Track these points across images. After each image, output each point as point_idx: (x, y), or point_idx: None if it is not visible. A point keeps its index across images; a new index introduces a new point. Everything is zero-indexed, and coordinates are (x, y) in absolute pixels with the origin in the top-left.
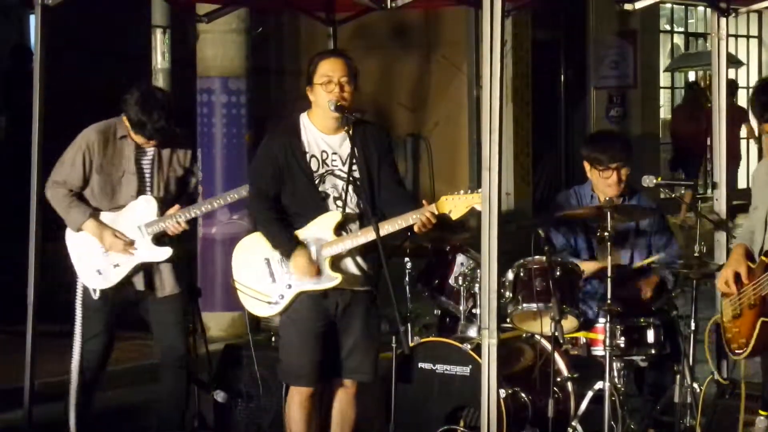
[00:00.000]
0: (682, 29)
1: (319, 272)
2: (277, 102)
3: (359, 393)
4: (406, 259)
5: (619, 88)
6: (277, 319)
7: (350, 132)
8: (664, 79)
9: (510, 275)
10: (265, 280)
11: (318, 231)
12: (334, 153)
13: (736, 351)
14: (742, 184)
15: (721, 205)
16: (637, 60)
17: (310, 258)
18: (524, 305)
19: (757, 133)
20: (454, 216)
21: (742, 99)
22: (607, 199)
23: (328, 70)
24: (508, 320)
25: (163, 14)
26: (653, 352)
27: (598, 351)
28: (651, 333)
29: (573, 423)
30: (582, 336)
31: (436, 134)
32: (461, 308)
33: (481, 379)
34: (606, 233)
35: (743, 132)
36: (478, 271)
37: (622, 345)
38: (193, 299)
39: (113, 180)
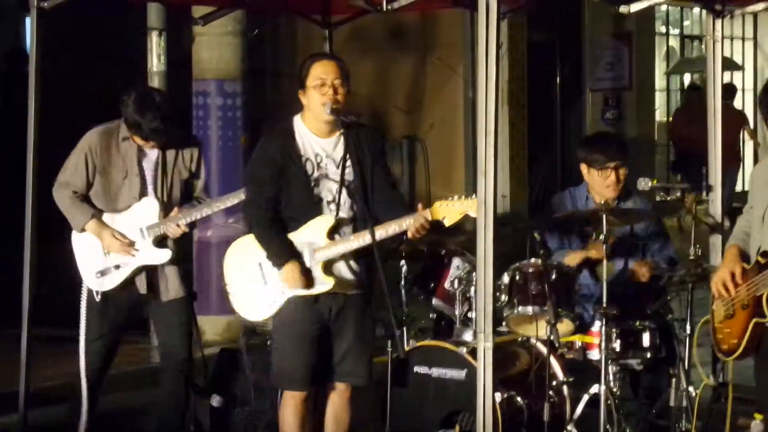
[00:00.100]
0: (677, 31)
1: (309, 284)
2: (273, 104)
3: (354, 397)
4: (402, 262)
5: (615, 90)
6: (272, 323)
7: (347, 134)
8: (660, 81)
9: (506, 278)
10: (257, 284)
11: (311, 235)
12: (328, 156)
13: (727, 352)
14: (743, 186)
15: (716, 207)
16: (633, 62)
17: (300, 271)
18: (520, 308)
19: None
20: (448, 222)
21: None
22: (603, 201)
23: (321, 72)
24: (503, 324)
25: (159, 17)
26: (649, 355)
27: (594, 354)
28: (647, 336)
29: (569, 427)
30: (578, 339)
31: (432, 136)
32: (457, 312)
33: (477, 382)
34: (602, 237)
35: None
36: (474, 274)
37: (618, 348)
38: (189, 303)
39: (116, 182)
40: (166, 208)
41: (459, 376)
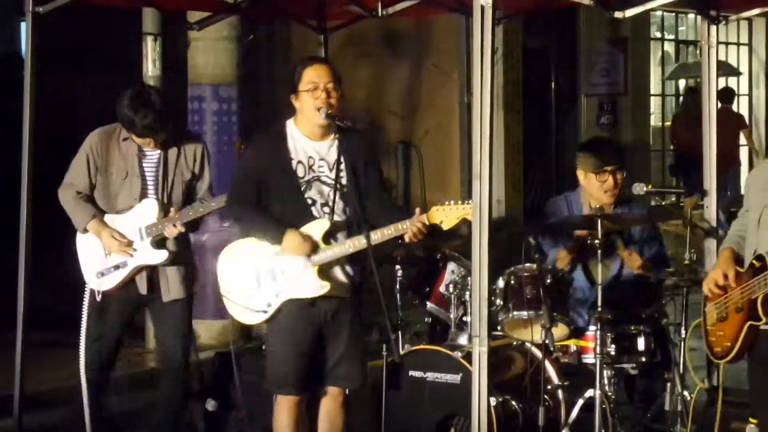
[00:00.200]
0: (672, 37)
1: (313, 250)
2: (269, 110)
3: (349, 401)
4: (397, 266)
5: (610, 95)
6: (266, 327)
7: (339, 138)
8: (655, 86)
9: (501, 283)
10: (252, 288)
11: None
12: (321, 159)
13: (719, 355)
14: (743, 190)
15: (711, 212)
16: (628, 67)
17: (301, 236)
18: (515, 313)
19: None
20: (445, 226)
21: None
22: (597, 207)
23: (314, 76)
24: (498, 328)
25: (154, 22)
26: (644, 359)
27: (589, 359)
28: (641, 341)
29: (563, 431)
30: (572, 344)
31: (427, 142)
32: (452, 316)
33: (472, 387)
34: (596, 241)
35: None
36: (469, 278)
37: (613, 353)
38: (189, 305)
39: (117, 182)
40: (166, 209)
41: (454, 380)
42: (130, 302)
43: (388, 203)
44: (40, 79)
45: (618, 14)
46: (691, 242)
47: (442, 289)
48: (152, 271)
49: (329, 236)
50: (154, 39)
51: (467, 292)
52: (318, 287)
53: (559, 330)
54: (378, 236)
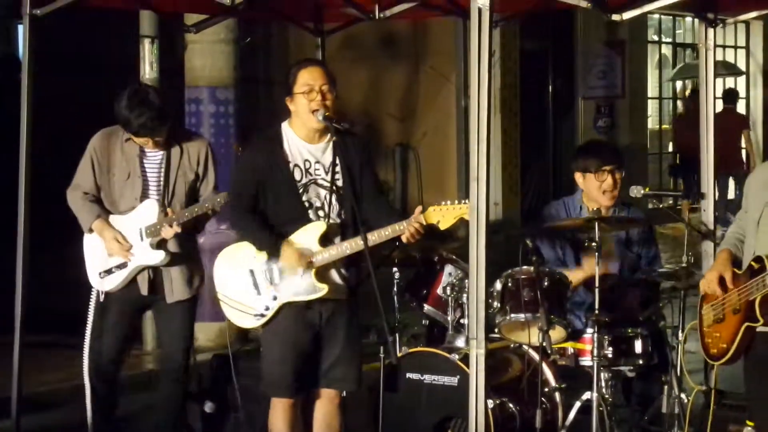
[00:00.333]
0: (670, 39)
1: (309, 264)
2: (266, 112)
3: (346, 403)
4: (395, 269)
5: (607, 98)
6: (262, 329)
7: (336, 141)
8: (653, 89)
9: (498, 285)
10: (249, 292)
11: (303, 241)
12: (317, 162)
13: (715, 356)
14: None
15: (708, 215)
16: (625, 70)
17: (298, 250)
18: (512, 315)
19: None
20: (442, 226)
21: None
22: (595, 210)
23: (309, 78)
24: (496, 330)
25: (151, 24)
26: (641, 362)
27: (586, 361)
28: (639, 343)
29: None
30: (570, 346)
31: (425, 144)
32: (449, 318)
33: (469, 389)
34: (594, 244)
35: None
36: (466, 281)
37: (610, 355)
38: (192, 307)
39: (119, 183)
40: (166, 210)
41: (451, 382)
42: (132, 303)
43: (383, 205)
44: (38, 82)
45: (615, 17)
46: (688, 245)
47: (439, 291)
48: (154, 273)
49: (326, 239)
50: (151, 42)
51: (464, 295)
52: (315, 290)
53: (557, 332)
54: (375, 237)
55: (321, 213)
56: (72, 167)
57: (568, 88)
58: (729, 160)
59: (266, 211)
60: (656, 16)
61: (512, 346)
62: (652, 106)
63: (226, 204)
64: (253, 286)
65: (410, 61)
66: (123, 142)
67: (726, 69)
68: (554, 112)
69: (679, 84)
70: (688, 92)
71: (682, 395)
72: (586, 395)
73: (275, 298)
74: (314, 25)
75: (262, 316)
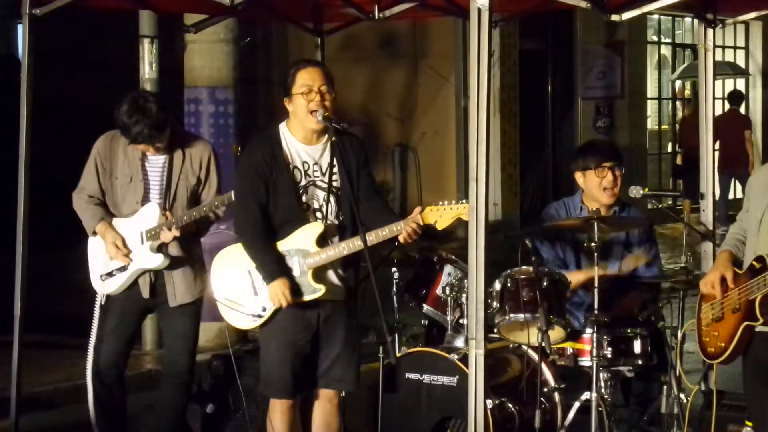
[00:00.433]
0: (669, 40)
1: (294, 300)
2: (265, 112)
3: (345, 403)
4: (394, 269)
5: (607, 98)
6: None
7: (335, 141)
8: (652, 89)
9: (497, 285)
10: (247, 293)
11: (300, 242)
12: (315, 163)
13: (712, 355)
14: None
15: (708, 215)
16: (625, 70)
17: (289, 289)
18: (511, 315)
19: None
20: (440, 226)
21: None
22: (594, 210)
23: (308, 79)
24: (495, 330)
25: (151, 24)
26: (640, 362)
27: (585, 361)
28: (638, 343)
29: None
30: (569, 346)
31: (424, 144)
32: (448, 318)
33: (468, 389)
34: (593, 244)
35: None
36: (466, 281)
37: (609, 355)
38: (197, 310)
39: (122, 186)
40: (168, 213)
41: (450, 382)
42: (133, 306)
43: (380, 206)
44: (37, 81)
45: (615, 17)
46: (687, 245)
47: (438, 291)
48: (156, 276)
49: (323, 240)
50: (151, 41)
51: (464, 295)
52: (313, 290)
53: (556, 332)
54: (372, 238)
55: (319, 214)
56: (71, 167)
57: (568, 89)
58: (733, 161)
59: (267, 212)
60: (655, 16)
61: (511, 346)
62: (651, 107)
63: (233, 215)
64: (250, 287)
65: (409, 61)
66: (126, 146)
67: (732, 69)
68: (554, 112)
69: (678, 84)
70: (687, 93)
71: (681, 395)
72: (585, 395)
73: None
74: (314, 25)
75: (260, 317)
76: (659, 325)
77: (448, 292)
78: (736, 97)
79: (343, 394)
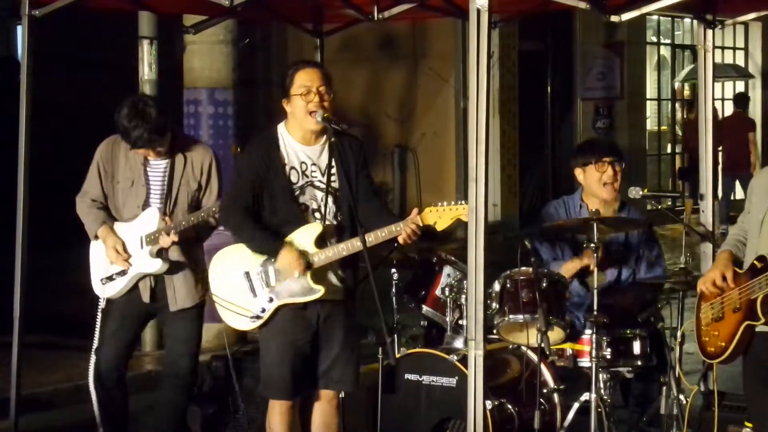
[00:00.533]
0: (668, 41)
1: (307, 267)
2: (265, 113)
3: (345, 404)
4: (393, 270)
5: (606, 99)
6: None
7: (333, 142)
8: (651, 90)
9: (496, 286)
10: (245, 294)
11: (299, 243)
12: (314, 164)
13: (712, 355)
14: None
15: (707, 216)
16: (624, 71)
17: (296, 253)
18: (511, 316)
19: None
20: (439, 227)
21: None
22: (594, 210)
23: (306, 80)
24: (494, 331)
25: (150, 25)
26: (639, 363)
27: (585, 362)
28: (637, 344)
29: None
30: (568, 347)
31: (424, 145)
32: (448, 319)
33: (468, 390)
34: (592, 245)
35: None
36: (465, 282)
37: (609, 356)
38: (198, 314)
39: (123, 191)
40: (168, 218)
41: (450, 383)
42: (133, 310)
43: (378, 207)
44: (37, 82)
45: (614, 18)
46: (686, 246)
47: (438, 292)
48: (156, 281)
49: (322, 240)
50: (150, 42)
51: (463, 296)
52: (312, 291)
53: (555, 333)
54: (372, 239)
55: (317, 215)
56: (71, 167)
57: (567, 90)
58: (736, 163)
59: (263, 214)
60: (655, 17)
61: (511, 347)
62: (650, 108)
63: (223, 204)
64: (248, 288)
65: (409, 62)
66: (128, 151)
67: (736, 72)
68: (553, 113)
69: (677, 85)
70: (687, 93)
71: (681, 396)
72: (585, 396)
73: (271, 300)
74: (313, 26)
75: (259, 318)
76: (659, 326)
77: (447, 293)
78: (741, 100)
79: (343, 394)
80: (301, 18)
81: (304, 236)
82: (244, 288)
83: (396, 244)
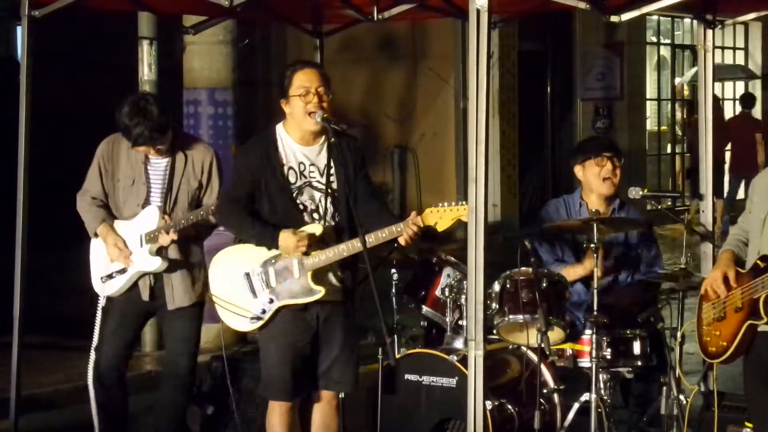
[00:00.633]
0: (668, 41)
1: (307, 252)
2: (264, 113)
3: (344, 405)
4: (393, 270)
5: (606, 99)
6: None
7: (334, 142)
8: (651, 90)
9: (496, 287)
10: (245, 295)
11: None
12: (312, 164)
13: (714, 355)
14: None
15: (707, 216)
16: (624, 71)
17: (295, 235)
18: (511, 317)
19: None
20: (440, 228)
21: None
22: (594, 210)
23: (305, 81)
24: (494, 332)
25: (150, 26)
26: (639, 363)
27: (585, 362)
28: (637, 344)
29: None
30: (568, 347)
31: (423, 146)
32: (448, 320)
33: (468, 390)
34: (592, 245)
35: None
36: (465, 282)
37: (609, 356)
38: (197, 313)
39: (124, 189)
40: (168, 216)
41: (450, 383)
42: (133, 308)
43: (377, 208)
44: (37, 83)
45: (614, 18)
46: (687, 246)
47: (437, 292)
48: (155, 279)
49: (321, 241)
50: (150, 43)
51: (463, 296)
52: (311, 292)
53: (555, 333)
54: (372, 239)
55: (315, 215)
56: (71, 167)
57: (567, 90)
58: (744, 163)
59: (261, 213)
60: (655, 17)
61: (511, 347)
62: (650, 108)
63: (219, 198)
64: (249, 289)
65: (409, 62)
66: (129, 149)
67: (744, 73)
68: (553, 113)
69: (678, 82)
70: (687, 93)
71: (681, 396)
72: (585, 396)
73: (272, 301)
74: (313, 26)
75: (259, 319)
76: (658, 326)
77: (447, 293)
78: (748, 100)
79: (342, 395)
80: (301, 18)
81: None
82: (244, 289)
83: (396, 245)
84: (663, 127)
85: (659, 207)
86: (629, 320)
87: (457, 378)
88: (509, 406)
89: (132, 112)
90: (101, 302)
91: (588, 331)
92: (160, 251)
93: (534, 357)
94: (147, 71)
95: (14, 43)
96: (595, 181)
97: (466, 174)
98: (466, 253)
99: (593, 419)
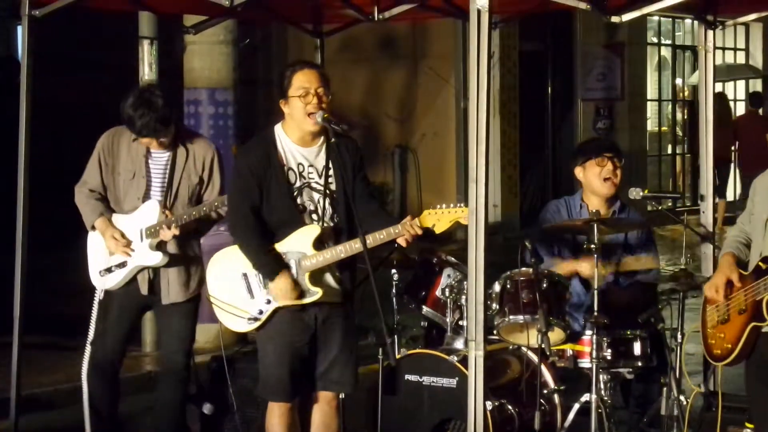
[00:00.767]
0: (669, 41)
1: (299, 296)
2: (265, 113)
3: (345, 405)
4: (393, 270)
5: (607, 100)
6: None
7: (333, 143)
8: (652, 91)
9: (497, 287)
10: (243, 295)
11: (297, 245)
12: (311, 165)
13: (718, 357)
14: None
15: (707, 217)
16: (625, 72)
17: (292, 284)
18: (511, 317)
19: None
20: (438, 230)
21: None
22: (595, 211)
23: (305, 81)
24: (494, 332)
25: (150, 25)
26: (640, 364)
27: (585, 363)
28: (638, 345)
29: None
30: (569, 348)
31: (424, 146)
32: (448, 320)
33: (468, 391)
34: (593, 246)
35: None
36: (465, 282)
37: (609, 357)
38: (192, 309)
39: (124, 182)
40: (168, 211)
41: (450, 384)
42: (131, 302)
43: (375, 209)
44: (37, 82)
45: (615, 19)
46: (687, 247)
47: (438, 293)
48: (153, 273)
49: (320, 242)
50: (150, 43)
51: (463, 296)
52: (309, 293)
53: (556, 334)
54: (370, 241)
55: (314, 216)
56: (71, 167)
57: (568, 90)
58: (753, 163)
59: (262, 214)
60: (655, 17)
61: (511, 347)
62: (651, 108)
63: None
64: (246, 289)
65: (409, 62)
66: (130, 143)
67: (752, 72)
68: (553, 113)
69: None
70: (687, 93)
71: (681, 397)
72: (585, 397)
73: (269, 302)
74: (313, 26)
75: (256, 320)
76: (659, 326)
77: (447, 293)
78: (756, 99)
79: (342, 396)
80: (301, 18)
81: (303, 238)
82: (242, 289)
83: (396, 245)
84: (664, 128)
85: (660, 208)
86: (629, 321)
87: (457, 378)
88: (509, 407)
89: (137, 103)
90: (99, 296)
91: (588, 332)
92: (161, 246)
93: (534, 357)
94: (147, 71)
95: (14, 43)
96: (595, 181)
97: (467, 174)
98: (466, 254)
99: (593, 420)
